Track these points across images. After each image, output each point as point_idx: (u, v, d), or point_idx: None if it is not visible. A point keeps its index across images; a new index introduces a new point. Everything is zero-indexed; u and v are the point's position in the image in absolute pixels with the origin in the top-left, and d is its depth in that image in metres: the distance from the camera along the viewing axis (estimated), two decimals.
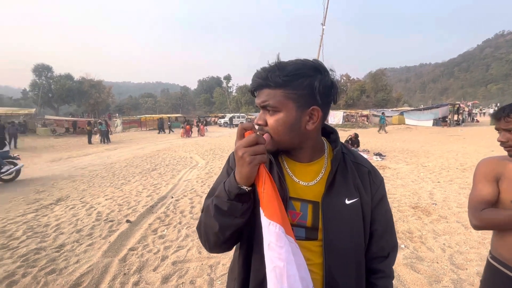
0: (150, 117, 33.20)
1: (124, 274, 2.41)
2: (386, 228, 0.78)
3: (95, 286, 2.26)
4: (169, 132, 24.48)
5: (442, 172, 5.89)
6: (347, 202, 0.70)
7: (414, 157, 7.85)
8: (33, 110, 25.35)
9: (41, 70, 39.68)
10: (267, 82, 0.65)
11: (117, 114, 42.17)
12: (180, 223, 3.55)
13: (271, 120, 0.67)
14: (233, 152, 0.77)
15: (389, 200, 3.41)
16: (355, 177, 0.74)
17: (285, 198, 0.68)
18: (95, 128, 17.65)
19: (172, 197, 4.68)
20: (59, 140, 17.92)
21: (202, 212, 0.74)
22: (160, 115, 33.03)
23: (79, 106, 44.49)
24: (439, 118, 20.91)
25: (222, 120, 35.01)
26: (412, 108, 29.90)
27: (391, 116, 26.68)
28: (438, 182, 5.13)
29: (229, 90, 67.40)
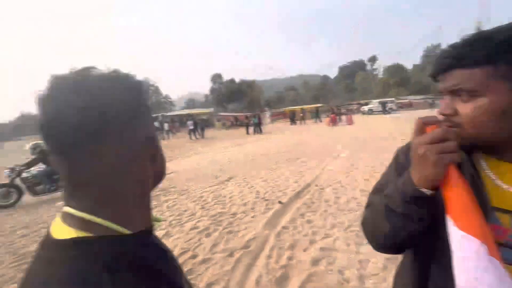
0: (292, 109, 35.74)
1: (280, 248, 2.78)
2: None
3: (259, 251, 2.76)
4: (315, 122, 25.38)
5: None
6: None
7: None
8: (211, 110, 34.09)
9: (215, 78, 52.22)
10: (462, 60, 0.52)
11: (266, 108, 48.57)
12: (325, 211, 3.63)
13: (466, 108, 0.53)
14: (402, 147, 0.73)
15: None
16: None
17: (485, 208, 0.52)
18: (250, 122, 21.20)
19: (316, 185, 4.85)
20: (227, 132, 23.06)
21: (367, 208, 0.72)
22: (296, 107, 34.80)
23: (239, 104, 54.94)
24: None
25: (366, 107, 32.00)
26: None
27: None
28: None
29: (374, 73, 60.33)
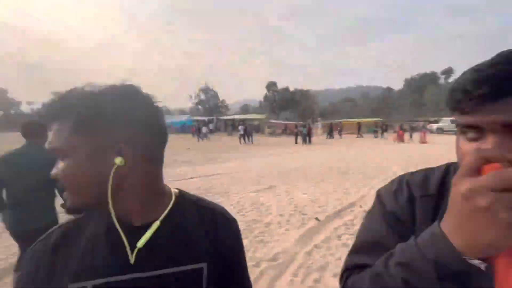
0: (350, 121, 33.93)
1: (308, 267, 2.65)
2: None
3: (286, 266, 2.67)
4: (375, 137, 23.63)
5: None
6: None
7: None
8: (264, 116, 34.78)
9: (270, 86, 53.23)
10: None
11: (319, 119, 47.32)
12: None
13: None
14: (386, 186, 0.60)
15: None
16: None
17: None
18: (299, 131, 20.84)
19: (361, 207, 4.48)
20: (276, 139, 23.16)
21: (353, 275, 0.53)
22: (358, 119, 32.76)
23: (292, 112, 54.80)
24: None
25: (435, 125, 28.39)
26: None
27: None
28: None
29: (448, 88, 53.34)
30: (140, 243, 0.48)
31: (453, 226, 0.35)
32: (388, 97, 66.27)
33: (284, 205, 4.69)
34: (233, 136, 25.16)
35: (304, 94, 50.98)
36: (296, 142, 18.74)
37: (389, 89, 75.90)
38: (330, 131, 23.99)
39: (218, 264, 0.55)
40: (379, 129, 24.98)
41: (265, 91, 54.23)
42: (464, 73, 0.44)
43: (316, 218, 3.95)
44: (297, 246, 3.09)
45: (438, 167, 0.59)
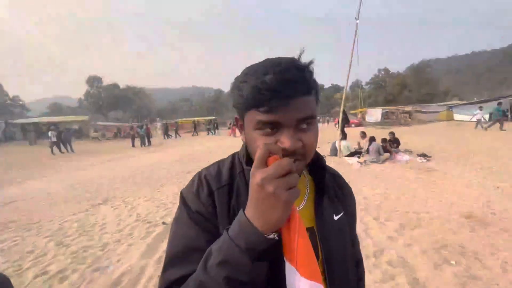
0: (187, 120, 34.89)
1: (159, 276, 2.51)
2: (355, 235, 0.79)
3: (133, 286, 2.39)
4: (208, 134, 25.57)
5: (503, 176, 5.16)
6: (335, 218, 0.64)
7: (466, 158, 7.02)
8: (86, 117, 28.39)
9: (93, 80, 44.20)
10: (309, 86, 0.50)
11: (157, 119, 45.13)
12: None
13: (310, 137, 0.51)
14: (189, 188, 0.60)
15: (436, 207, 3.05)
16: (334, 188, 0.70)
17: None
18: (136, 133, 19.00)
19: None
20: (108, 144, 19.75)
21: None
22: (193, 118, 34.56)
23: (125, 112, 48.57)
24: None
25: None
26: (463, 102, 26.89)
27: (437, 112, 24.40)
28: (497, 187, 4.50)
29: None
30: None
31: (254, 212, 0.43)
32: (220, 98, 74.53)
33: (124, 218, 4.14)
34: (39, 145, 18.78)
35: (137, 92, 46.51)
36: (133, 145, 16.90)
37: (219, 91, 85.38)
38: (166, 131, 23.87)
39: None
40: (211, 126, 27.63)
41: (85, 87, 44.32)
42: (257, 77, 0.48)
43: (163, 222, 3.80)
44: (144, 259, 2.84)
45: (227, 158, 0.66)
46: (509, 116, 17.87)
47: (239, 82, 0.52)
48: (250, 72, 0.51)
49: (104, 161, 11.15)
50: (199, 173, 0.63)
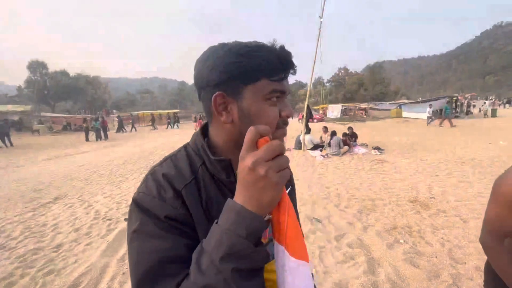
0: (147, 113, 33.02)
1: (123, 273, 2.40)
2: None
3: (94, 286, 2.24)
4: (167, 128, 24.52)
5: (440, 165, 5.91)
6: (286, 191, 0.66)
7: (412, 151, 7.86)
8: (29, 107, 25.13)
9: (36, 66, 39.09)
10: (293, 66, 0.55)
11: (113, 111, 41.85)
12: None
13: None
14: (142, 195, 0.51)
15: (388, 194, 3.34)
16: None
17: None
18: (90, 126, 17.44)
19: None
20: (56, 137, 17.80)
21: None
22: (152, 111, 32.87)
23: (76, 103, 44.10)
24: (437, 111, 20.94)
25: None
26: (410, 101, 29.91)
27: (389, 110, 26.74)
28: (437, 175, 5.14)
29: None
30: None
31: (247, 196, 0.43)
32: (184, 90, 71.82)
33: (80, 216, 3.83)
34: None
35: (91, 81, 42.43)
36: (87, 139, 15.50)
37: (183, 83, 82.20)
38: (120, 126, 22.02)
39: None
40: (172, 120, 26.57)
41: (26, 74, 39.01)
42: (267, 49, 0.52)
43: (125, 219, 3.60)
44: (105, 257, 2.67)
45: (178, 152, 0.60)
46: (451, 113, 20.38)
47: (237, 55, 0.51)
48: (249, 46, 0.52)
49: (53, 156, 10.07)
50: (153, 174, 0.54)
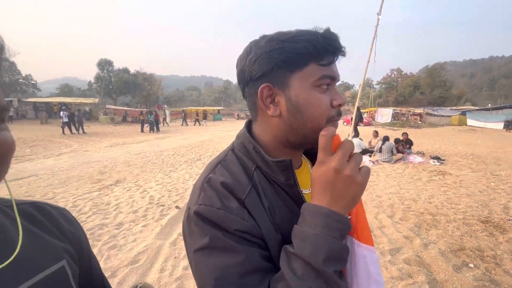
0: (194, 109, 34.96)
1: (175, 257, 2.54)
2: None
3: (150, 265, 2.42)
4: (195, 124, 25.31)
5: None
6: None
7: (481, 164, 6.88)
8: (97, 100, 28.66)
9: (104, 64, 44.31)
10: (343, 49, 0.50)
11: (165, 106, 45.26)
12: None
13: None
14: (202, 208, 0.46)
15: (452, 210, 2.97)
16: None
17: None
18: (146, 118, 19.06)
19: None
20: (116, 128, 19.93)
21: None
22: (202, 108, 34.58)
23: (134, 97, 48.79)
24: None
25: None
26: (477, 108, 26.27)
27: (450, 116, 23.92)
28: None
29: None
30: None
31: (331, 198, 0.43)
32: (228, 89, 74.29)
33: (137, 199, 4.19)
34: (50, 124, 19.06)
35: (148, 78, 46.57)
36: (142, 131, 17.04)
37: (228, 82, 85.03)
38: (204, 117, 24.51)
39: (75, 257, 0.48)
40: (199, 117, 27.61)
41: (95, 71, 44.49)
42: (311, 34, 0.48)
43: (177, 206, 3.83)
44: (159, 239, 2.87)
45: (227, 156, 0.55)
46: None
47: (280, 42, 0.48)
48: (292, 32, 0.49)
49: (114, 144, 11.27)
50: (209, 182, 0.49)
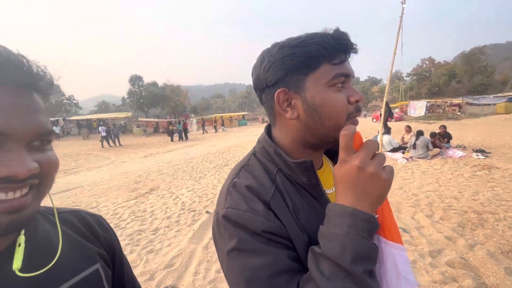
0: (219, 116, 35.86)
1: (208, 261, 2.62)
2: None
3: (185, 268, 2.53)
4: (215, 132, 25.16)
5: None
6: None
7: None
8: (130, 114, 30.65)
9: (135, 80, 47.39)
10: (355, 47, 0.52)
11: (192, 115, 47.05)
12: None
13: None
14: (230, 210, 0.48)
15: (501, 208, 2.72)
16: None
17: None
18: (174, 127, 19.92)
19: None
20: (148, 139, 21.13)
21: None
22: (223, 115, 35.30)
23: (163, 109, 51.40)
24: None
25: None
26: None
27: (495, 104, 21.76)
28: None
29: None
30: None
31: (356, 197, 0.43)
32: (251, 93, 75.05)
33: (170, 206, 4.39)
34: (91, 139, 20.76)
35: (175, 90, 48.89)
36: (171, 140, 17.86)
37: (251, 87, 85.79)
38: (203, 127, 24.34)
39: (108, 261, 0.53)
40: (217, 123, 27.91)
41: (128, 86, 47.71)
42: (320, 36, 0.49)
43: (207, 211, 3.96)
44: (192, 244, 2.99)
45: (249, 161, 0.57)
46: None
47: (291, 47, 0.49)
48: (301, 38, 0.50)
49: (148, 154, 11.95)
50: (234, 186, 0.51)
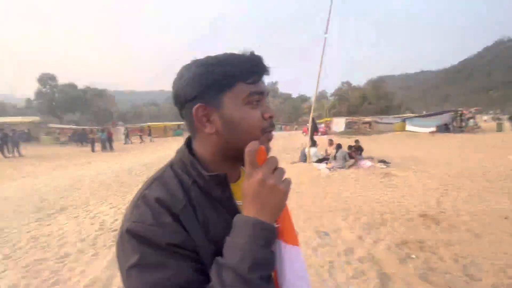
0: (155, 125, 33.44)
1: None
2: None
3: None
4: (140, 142, 23.29)
5: (449, 179, 5.81)
6: None
7: (419, 164, 7.78)
8: (37, 119, 25.66)
9: (46, 79, 40.19)
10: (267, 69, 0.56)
11: (120, 122, 42.48)
12: None
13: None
14: (134, 224, 0.46)
15: (397, 208, 3.29)
16: None
17: None
18: (95, 136, 17.59)
19: None
20: (63, 149, 18.02)
21: None
22: (157, 124, 33.31)
23: (83, 115, 44.85)
24: (443, 125, 20.83)
25: None
26: (415, 115, 29.86)
27: (392, 123, 26.72)
28: (446, 189, 5.05)
29: None
30: None
31: (259, 208, 0.47)
32: None
33: (86, 226, 3.81)
34: None
35: (99, 94, 43.40)
36: (93, 150, 15.66)
37: None
38: (126, 136, 22.04)
39: None
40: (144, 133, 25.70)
41: (35, 86, 40.06)
42: (235, 56, 0.53)
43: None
44: (110, 269, 2.64)
45: (164, 172, 0.56)
46: (451, 128, 20.27)
47: (209, 65, 0.52)
48: (218, 57, 0.54)
49: (59, 166, 10.16)
50: (144, 198, 0.50)
